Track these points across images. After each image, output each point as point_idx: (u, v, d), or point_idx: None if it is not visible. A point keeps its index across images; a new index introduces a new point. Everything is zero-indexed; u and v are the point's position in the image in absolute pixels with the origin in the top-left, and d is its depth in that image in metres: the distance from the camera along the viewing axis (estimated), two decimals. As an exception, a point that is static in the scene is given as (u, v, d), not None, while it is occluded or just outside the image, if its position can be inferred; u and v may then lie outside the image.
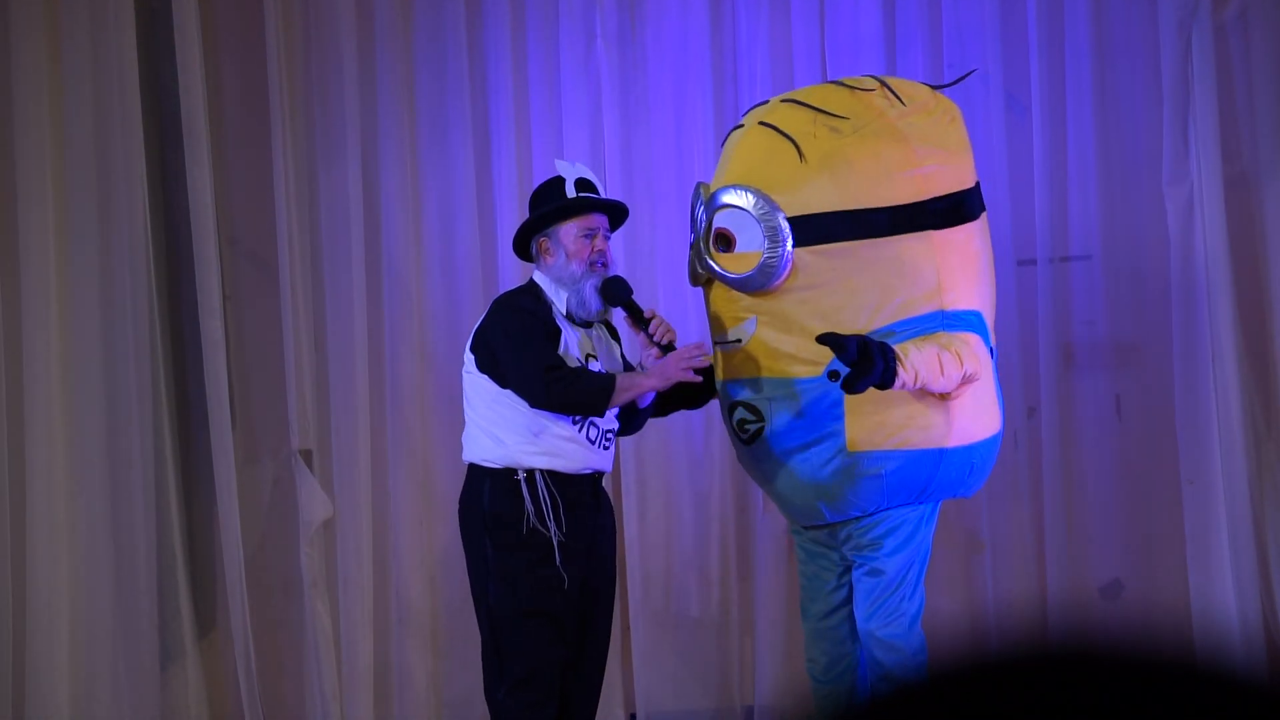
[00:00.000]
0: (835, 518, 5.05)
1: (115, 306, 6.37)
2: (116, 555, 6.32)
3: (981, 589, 6.39)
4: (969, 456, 5.08)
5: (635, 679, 6.49)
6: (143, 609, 6.35)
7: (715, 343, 5.14)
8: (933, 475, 5.02)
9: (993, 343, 5.17)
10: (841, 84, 5.25)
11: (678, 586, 6.60)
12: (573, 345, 4.99)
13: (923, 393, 4.94)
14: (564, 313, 5.01)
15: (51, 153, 6.34)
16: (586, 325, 5.07)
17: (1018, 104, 6.36)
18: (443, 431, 6.58)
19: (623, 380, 4.93)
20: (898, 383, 4.77)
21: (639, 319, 5.03)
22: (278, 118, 6.52)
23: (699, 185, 5.20)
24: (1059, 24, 6.35)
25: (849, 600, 5.16)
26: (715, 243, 5.03)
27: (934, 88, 5.27)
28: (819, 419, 4.97)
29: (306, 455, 6.55)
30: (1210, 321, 6.03)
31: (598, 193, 5.09)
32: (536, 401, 4.91)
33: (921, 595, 5.11)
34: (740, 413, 5.07)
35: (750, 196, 4.97)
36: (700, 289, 5.22)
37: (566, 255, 5.00)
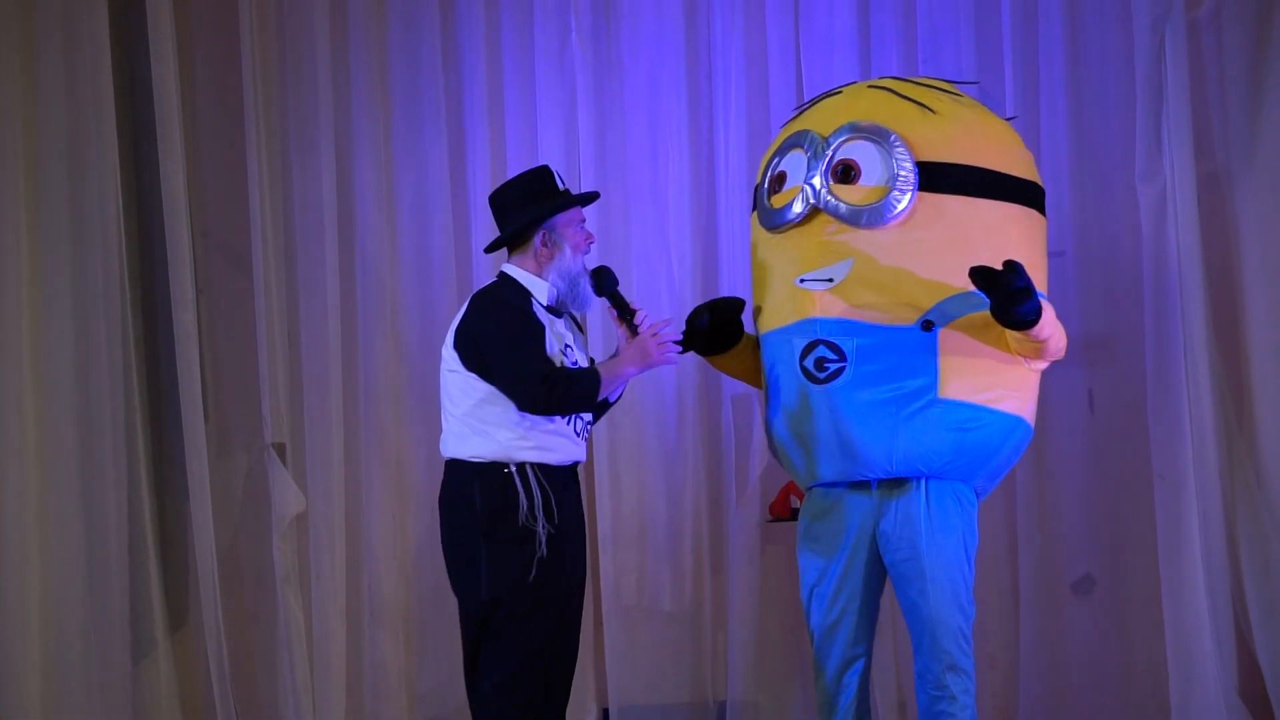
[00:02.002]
0: (898, 470, 5.02)
1: (88, 299, 6.35)
2: (88, 549, 6.30)
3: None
4: (1027, 437, 5.18)
5: (608, 673, 6.48)
6: (114, 603, 6.32)
7: (801, 280, 5.12)
8: (1001, 445, 5.07)
9: None
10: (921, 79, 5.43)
11: (651, 580, 6.59)
12: (551, 338, 4.97)
13: (1015, 358, 5.04)
14: (544, 305, 4.99)
15: (24, 144, 6.32)
16: (557, 314, 5.05)
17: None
18: (416, 425, 6.57)
19: (605, 370, 4.93)
20: (1038, 326, 4.88)
21: (625, 311, 5.01)
22: (251, 110, 6.51)
23: (803, 130, 5.20)
24: (1033, 22, 6.37)
25: (858, 627, 5.14)
26: (834, 173, 5.08)
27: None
28: (910, 365, 4.99)
29: (280, 449, 6.53)
30: (1183, 317, 6.04)
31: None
32: (529, 407, 4.89)
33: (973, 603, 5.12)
34: (821, 350, 5.06)
35: (886, 131, 5.06)
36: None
37: (572, 249, 5.00)
